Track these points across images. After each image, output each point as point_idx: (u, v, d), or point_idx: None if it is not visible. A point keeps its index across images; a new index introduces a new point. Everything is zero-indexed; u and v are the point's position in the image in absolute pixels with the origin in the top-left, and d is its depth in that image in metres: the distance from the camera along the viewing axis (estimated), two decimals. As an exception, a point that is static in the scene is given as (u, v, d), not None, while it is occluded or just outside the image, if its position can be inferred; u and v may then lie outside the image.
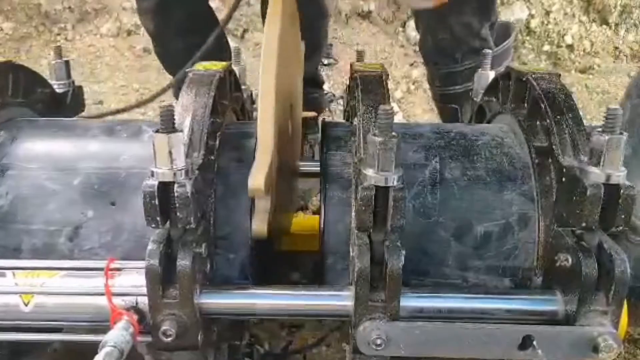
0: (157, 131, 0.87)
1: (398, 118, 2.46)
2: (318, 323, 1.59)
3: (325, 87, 2.47)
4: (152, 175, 0.88)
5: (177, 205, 0.88)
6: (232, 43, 2.58)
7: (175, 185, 0.87)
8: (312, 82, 2.20)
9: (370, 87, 1.15)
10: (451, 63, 1.86)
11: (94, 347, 0.85)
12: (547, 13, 2.68)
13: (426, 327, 0.90)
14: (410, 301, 0.93)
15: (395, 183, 0.86)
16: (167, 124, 0.87)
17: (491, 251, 1.05)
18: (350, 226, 1.06)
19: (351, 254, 1.02)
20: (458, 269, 1.05)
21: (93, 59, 2.51)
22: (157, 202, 0.86)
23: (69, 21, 2.60)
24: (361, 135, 1.02)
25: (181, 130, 0.90)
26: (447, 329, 0.90)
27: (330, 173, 1.14)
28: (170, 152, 0.87)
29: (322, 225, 1.10)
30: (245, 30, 2.62)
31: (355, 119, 1.12)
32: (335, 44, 2.66)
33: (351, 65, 1.34)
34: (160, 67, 2.39)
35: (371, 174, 0.87)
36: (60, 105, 1.47)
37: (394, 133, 0.86)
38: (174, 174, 0.88)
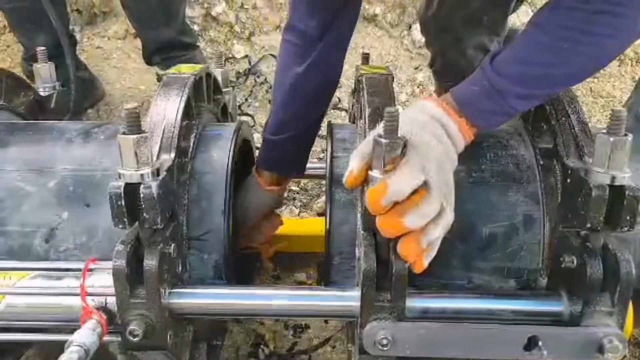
0: (123, 133, 0.88)
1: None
2: (324, 323, 1.60)
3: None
4: (119, 176, 0.89)
5: (144, 206, 0.88)
6: (239, 46, 2.59)
7: (141, 187, 0.88)
8: (179, 46, 2.23)
9: (376, 89, 1.16)
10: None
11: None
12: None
13: (432, 327, 0.90)
14: (415, 302, 0.94)
15: (401, 184, 0.87)
16: (133, 126, 0.88)
17: (496, 252, 1.05)
18: (355, 227, 1.07)
19: (357, 254, 1.02)
20: (463, 270, 1.05)
21: (100, 61, 2.53)
22: (123, 204, 0.87)
23: (76, 23, 2.61)
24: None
25: (147, 132, 0.90)
26: (453, 330, 0.90)
27: (337, 175, 1.14)
28: (136, 154, 0.88)
29: (327, 227, 1.11)
30: (251, 34, 2.63)
31: (361, 120, 1.13)
32: (341, 47, 2.67)
33: (357, 68, 1.35)
34: (166, 69, 2.41)
35: (377, 176, 0.88)
36: (45, 108, 1.47)
37: (400, 135, 0.87)
38: (141, 176, 0.88)
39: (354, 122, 1.40)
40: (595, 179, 0.88)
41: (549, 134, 1.10)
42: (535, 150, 1.12)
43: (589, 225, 0.88)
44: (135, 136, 0.88)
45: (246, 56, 2.56)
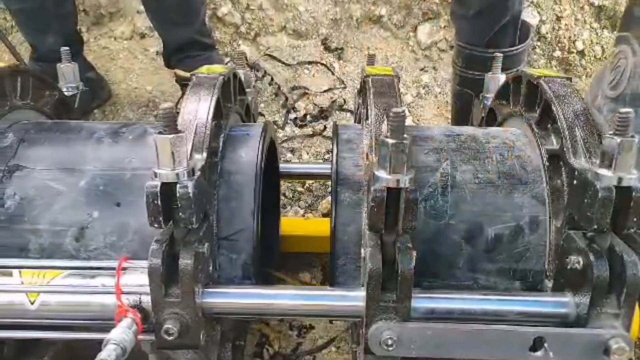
0: (159, 132, 0.88)
1: (408, 122, 2.46)
2: (328, 324, 1.60)
3: (337, 92, 2.49)
4: (155, 176, 0.89)
5: (180, 205, 0.89)
6: (244, 46, 2.60)
7: (178, 186, 0.88)
8: (200, 45, 2.24)
9: (382, 90, 1.16)
10: (477, 45, 1.90)
11: (96, 345, 0.86)
12: (558, 19, 2.68)
13: (437, 328, 0.90)
14: (421, 302, 0.94)
15: (407, 185, 0.87)
16: (170, 126, 0.88)
17: (502, 254, 1.05)
18: (361, 228, 1.07)
19: (362, 255, 1.02)
20: (469, 271, 1.05)
21: (107, 62, 2.54)
22: (159, 203, 0.87)
23: (84, 24, 2.63)
24: (373, 138, 1.03)
25: (183, 132, 0.90)
26: (458, 330, 0.90)
27: (342, 175, 1.15)
28: (172, 153, 0.88)
29: (333, 227, 1.11)
30: (257, 34, 2.63)
31: (367, 121, 1.13)
32: (346, 48, 2.68)
33: (362, 69, 1.35)
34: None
35: (383, 176, 0.88)
36: (69, 107, 1.48)
37: (405, 135, 0.87)
38: (177, 175, 0.89)
39: (359, 123, 1.40)
40: (602, 181, 0.87)
41: (555, 135, 1.10)
42: (541, 151, 1.12)
43: (595, 226, 0.88)
44: (171, 136, 0.88)
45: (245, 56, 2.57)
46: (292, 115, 2.41)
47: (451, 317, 0.95)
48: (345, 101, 2.47)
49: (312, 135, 2.32)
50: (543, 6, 2.71)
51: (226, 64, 2.39)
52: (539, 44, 2.71)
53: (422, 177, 1.09)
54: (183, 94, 2.29)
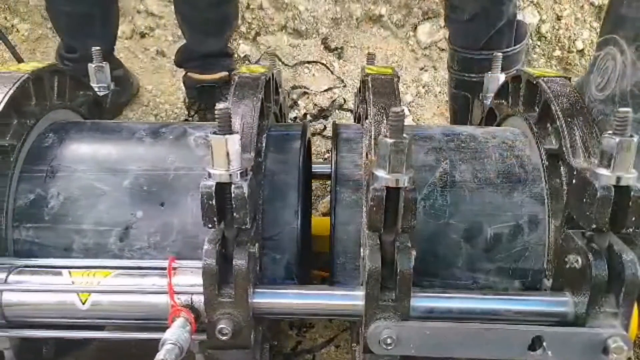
0: (214, 133, 0.88)
1: (408, 121, 2.46)
2: (328, 323, 1.60)
3: (337, 91, 2.49)
4: (209, 176, 0.88)
5: (234, 206, 0.88)
6: (244, 46, 2.60)
7: (232, 186, 0.88)
8: (222, 54, 2.23)
9: (381, 89, 1.16)
10: (472, 48, 1.90)
11: (144, 345, 0.87)
12: (558, 18, 2.68)
13: (436, 327, 0.90)
14: (420, 301, 0.94)
15: (406, 184, 0.87)
16: (224, 126, 0.88)
17: (501, 253, 1.06)
18: (360, 227, 1.07)
19: (362, 254, 1.02)
20: (468, 270, 1.06)
21: (107, 61, 2.54)
22: (214, 203, 0.87)
23: (83, 24, 2.64)
24: (372, 137, 1.03)
25: (238, 132, 0.90)
26: (457, 330, 0.90)
27: (341, 175, 1.15)
28: (227, 154, 0.88)
29: (332, 226, 1.11)
30: (257, 34, 2.63)
31: (367, 121, 1.13)
32: (346, 48, 2.68)
33: (362, 68, 1.35)
34: (173, 68, 2.42)
35: (382, 175, 0.88)
36: (101, 107, 1.49)
37: (405, 135, 0.87)
38: (230, 175, 0.88)
39: (359, 122, 1.40)
40: (601, 180, 0.87)
41: (554, 134, 1.10)
42: (540, 151, 1.12)
43: (594, 226, 0.88)
44: (227, 136, 0.88)
45: (245, 56, 2.57)
46: (292, 115, 2.41)
47: (450, 316, 0.95)
48: (345, 100, 2.47)
49: (312, 135, 2.32)
50: (543, 5, 2.71)
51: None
52: (539, 43, 2.71)
53: (422, 176, 1.09)
54: (190, 98, 2.29)
